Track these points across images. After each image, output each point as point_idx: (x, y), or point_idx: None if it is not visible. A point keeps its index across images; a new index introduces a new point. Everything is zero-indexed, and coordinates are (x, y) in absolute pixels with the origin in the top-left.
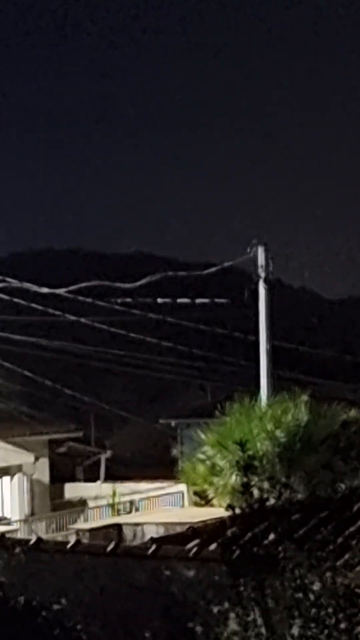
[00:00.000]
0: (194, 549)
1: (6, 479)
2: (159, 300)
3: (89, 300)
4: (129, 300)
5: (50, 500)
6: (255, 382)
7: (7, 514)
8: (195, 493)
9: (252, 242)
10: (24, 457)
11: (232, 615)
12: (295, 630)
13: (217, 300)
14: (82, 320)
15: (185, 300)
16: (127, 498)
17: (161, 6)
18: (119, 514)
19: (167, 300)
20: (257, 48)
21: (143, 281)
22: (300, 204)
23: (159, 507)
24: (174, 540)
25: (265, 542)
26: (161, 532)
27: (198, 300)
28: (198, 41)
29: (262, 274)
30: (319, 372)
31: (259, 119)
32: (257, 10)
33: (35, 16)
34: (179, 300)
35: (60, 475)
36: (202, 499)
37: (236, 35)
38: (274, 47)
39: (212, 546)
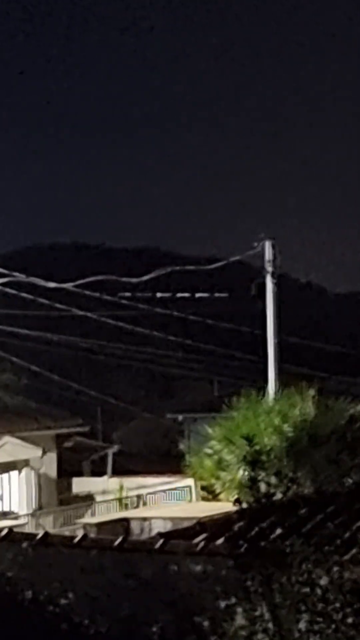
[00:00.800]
0: (202, 544)
1: (13, 473)
2: (159, 294)
3: (96, 294)
4: (135, 294)
5: (58, 494)
6: (263, 377)
7: (15, 509)
8: (203, 487)
9: (259, 236)
10: (31, 452)
11: (239, 609)
12: (302, 625)
13: (217, 294)
14: (89, 314)
15: (185, 294)
16: (134, 492)
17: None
18: (126, 509)
19: (167, 294)
20: (270, 41)
21: (150, 276)
22: (307, 198)
23: (166, 502)
24: (182, 534)
25: (273, 536)
26: (168, 526)
27: (197, 295)
28: (214, 32)
29: (270, 269)
30: (326, 367)
31: (267, 114)
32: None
33: (41, 14)
34: (178, 294)
35: (68, 469)
36: (210, 494)
37: (254, 20)
38: (284, 40)
39: (220, 541)
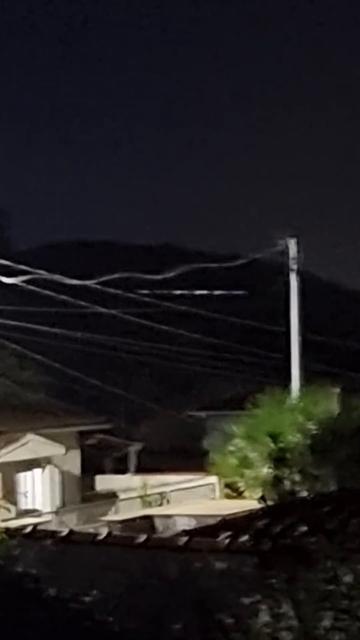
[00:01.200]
0: (226, 541)
1: (37, 471)
2: (181, 292)
3: (118, 292)
4: (158, 292)
5: (81, 492)
6: (286, 374)
7: (38, 506)
8: (227, 485)
9: (283, 234)
10: (55, 449)
11: (263, 607)
12: (326, 622)
13: (234, 292)
14: (112, 312)
15: (203, 292)
16: (158, 490)
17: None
18: (149, 506)
19: (191, 292)
20: (291, 30)
21: (172, 273)
22: (332, 195)
23: (189, 499)
24: (206, 532)
25: (297, 534)
26: (192, 524)
27: (216, 292)
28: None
29: (294, 266)
30: (350, 364)
31: (289, 108)
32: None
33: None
34: (200, 291)
35: (91, 467)
36: (233, 491)
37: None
38: (305, 28)
39: (244, 538)
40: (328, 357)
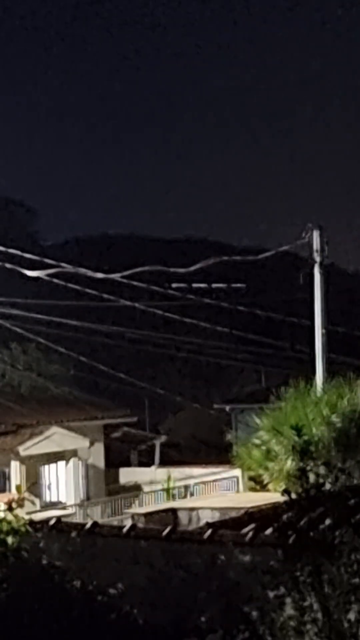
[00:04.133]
0: (250, 534)
1: (61, 463)
2: (205, 285)
3: (143, 285)
4: (183, 285)
5: (105, 484)
6: (311, 367)
7: (62, 499)
8: (251, 478)
9: (307, 226)
10: (79, 442)
11: (288, 600)
12: (352, 615)
13: (234, 285)
14: (137, 305)
15: (221, 285)
16: (182, 483)
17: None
18: (173, 499)
19: (220, 285)
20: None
21: (197, 266)
22: (356, 187)
23: (214, 492)
24: (230, 524)
25: (322, 527)
26: (216, 516)
27: (234, 285)
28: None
29: (318, 258)
30: None
31: (310, 102)
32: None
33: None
34: (225, 285)
35: (115, 460)
36: (258, 484)
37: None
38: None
39: (268, 531)
40: (353, 349)
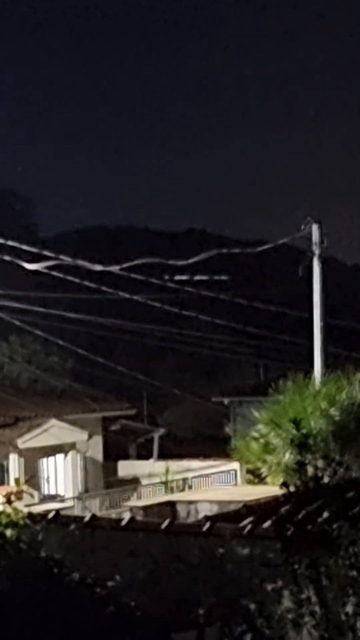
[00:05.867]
0: (248, 527)
1: (60, 456)
2: (205, 277)
3: (142, 277)
4: (182, 277)
5: (104, 477)
6: (309, 360)
7: (61, 492)
8: (249, 471)
9: (306, 219)
10: (78, 435)
11: (286, 593)
12: (349, 608)
13: (218, 277)
14: (135, 297)
15: (204, 277)
16: (180, 476)
17: None
18: (172, 492)
19: (220, 277)
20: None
21: (196, 258)
22: (355, 180)
23: (212, 485)
24: (228, 517)
25: (320, 520)
26: (215, 509)
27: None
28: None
29: (317, 251)
30: None
31: (311, 94)
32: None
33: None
34: (224, 277)
35: (114, 452)
36: (256, 477)
37: None
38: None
39: (266, 524)
40: (352, 342)
